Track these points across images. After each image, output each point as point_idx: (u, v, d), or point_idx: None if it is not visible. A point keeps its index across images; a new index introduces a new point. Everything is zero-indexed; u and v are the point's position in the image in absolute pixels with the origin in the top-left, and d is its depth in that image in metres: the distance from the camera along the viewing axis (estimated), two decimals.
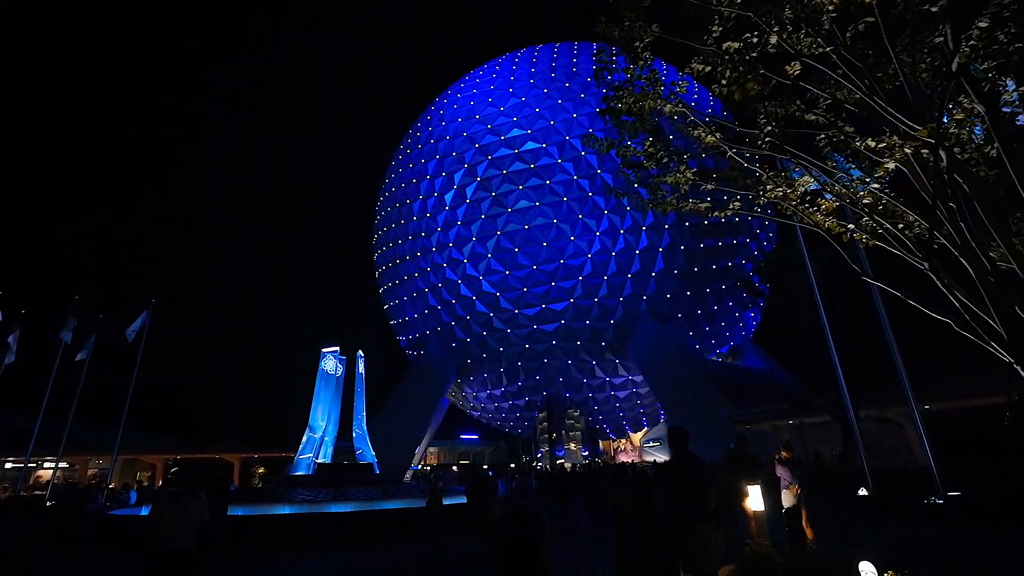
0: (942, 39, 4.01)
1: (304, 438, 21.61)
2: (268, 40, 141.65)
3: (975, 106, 4.18)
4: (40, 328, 24.50)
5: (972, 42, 3.78)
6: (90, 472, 41.69)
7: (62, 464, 35.93)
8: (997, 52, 3.94)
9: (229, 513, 9.31)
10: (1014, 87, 4.30)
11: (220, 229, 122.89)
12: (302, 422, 22.23)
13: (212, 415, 63.54)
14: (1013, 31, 3.74)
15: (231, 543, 10.00)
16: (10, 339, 21.95)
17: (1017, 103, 4.59)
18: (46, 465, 37.97)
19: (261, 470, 42.24)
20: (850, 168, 5.17)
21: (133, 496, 22.62)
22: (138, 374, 24.41)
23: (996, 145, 4.14)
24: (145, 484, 38.75)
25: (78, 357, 23.58)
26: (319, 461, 20.87)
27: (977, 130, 4.67)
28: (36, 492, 29.52)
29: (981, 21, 3.75)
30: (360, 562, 10.77)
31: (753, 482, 7.76)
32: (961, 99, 4.38)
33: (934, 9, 3.86)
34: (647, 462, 37.68)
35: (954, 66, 3.75)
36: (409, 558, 11.03)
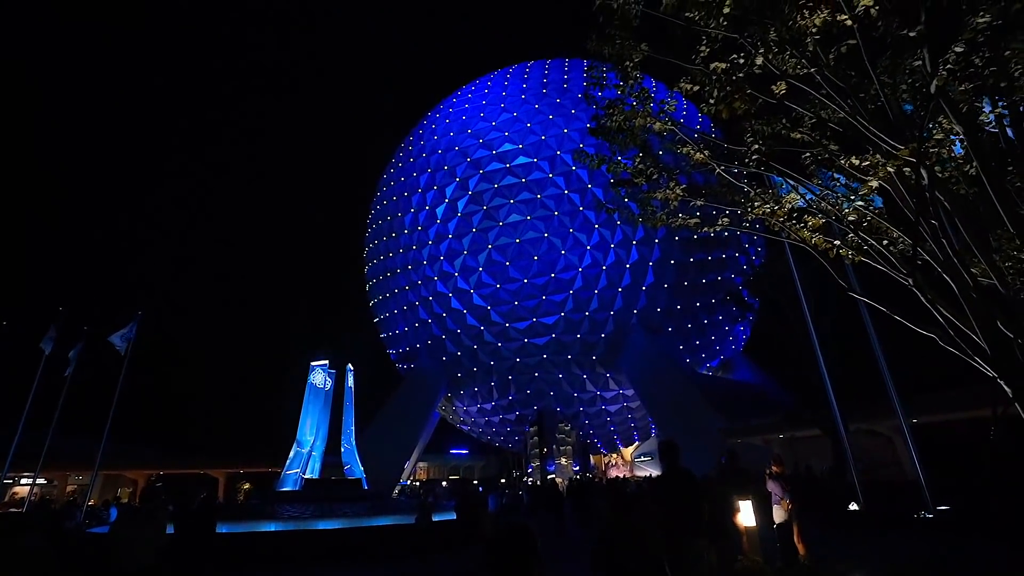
0: (921, 62, 4.14)
1: (292, 453, 21.27)
2: (263, 53, 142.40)
3: (954, 126, 4.30)
4: (24, 339, 24.03)
5: (949, 66, 3.91)
6: (69, 488, 40.57)
7: (40, 480, 34.96)
8: (973, 75, 4.08)
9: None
10: (990, 108, 4.45)
11: (209, 241, 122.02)
12: (290, 436, 21.90)
13: (197, 429, 62.39)
14: (987, 56, 3.88)
15: (215, 562, 9.71)
16: None
17: (993, 124, 4.74)
18: (23, 481, 36.90)
19: (247, 486, 41.48)
20: (835, 185, 5.28)
21: (114, 513, 22.04)
22: (122, 387, 23.93)
23: (975, 164, 4.26)
24: (124, 501, 37.76)
25: (66, 372, 23.11)
26: (306, 476, 20.53)
27: (957, 149, 4.80)
28: (12, 510, 28.61)
29: (957, 46, 3.88)
30: None
31: (744, 497, 7.75)
32: (941, 119, 4.51)
33: (912, 34, 3.99)
34: (638, 476, 37.49)
35: (932, 88, 3.87)
36: (398, 575, 10.83)
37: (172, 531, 7.96)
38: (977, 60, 4.03)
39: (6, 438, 22.32)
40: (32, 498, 27.12)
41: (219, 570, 8.97)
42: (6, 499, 33.32)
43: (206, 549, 8.46)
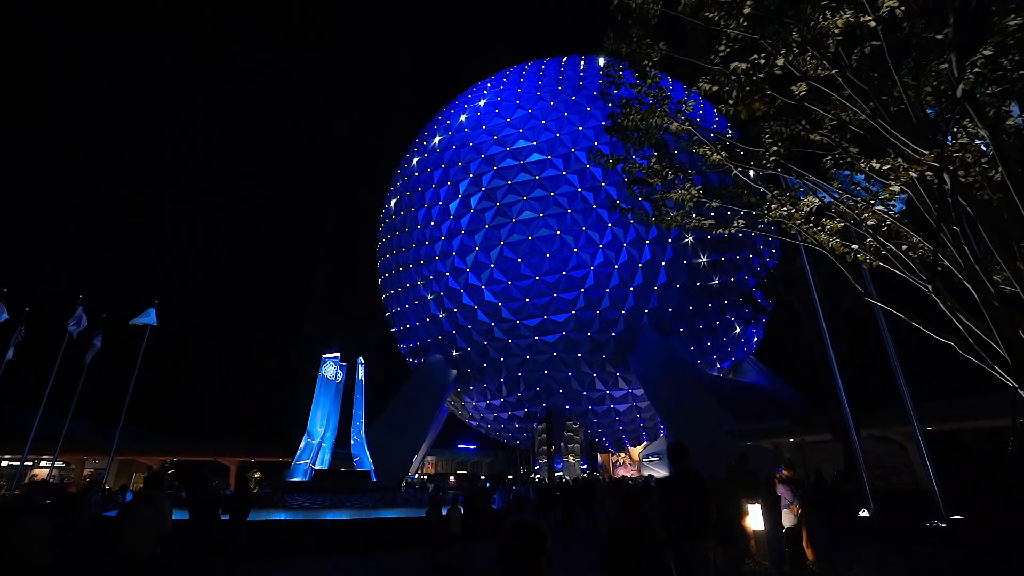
0: (947, 65, 4.06)
1: (302, 443, 21.54)
2: (281, 46, 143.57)
3: (980, 130, 4.21)
4: (44, 325, 24.60)
5: (977, 69, 3.83)
6: (86, 472, 41.53)
7: (58, 463, 35.86)
8: (1002, 78, 3.98)
9: (223, 518, 9.09)
10: (1018, 112, 4.34)
11: (226, 232, 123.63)
12: (301, 427, 22.17)
13: (210, 417, 63.45)
14: (1017, 58, 3.79)
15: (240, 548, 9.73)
16: (17, 334, 22.03)
17: (1022, 128, 4.62)
18: (42, 464, 37.86)
19: (257, 474, 42.09)
20: (855, 189, 5.20)
21: (129, 497, 22.53)
22: (139, 374, 24.44)
23: (1000, 169, 4.17)
24: (140, 486, 38.47)
25: (87, 359, 23.65)
26: (316, 467, 20.79)
27: (983, 146, 4.68)
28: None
29: (986, 49, 3.79)
30: (355, 570, 10.68)
31: (753, 500, 7.70)
32: (966, 123, 4.41)
33: (939, 36, 3.91)
34: (646, 476, 37.34)
35: (959, 92, 3.79)
36: (404, 567, 10.94)
37: (187, 516, 8.11)
38: (1006, 63, 3.93)
39: (26, 422, 22.91)
40: (51, 479, 27.84)
41: (238, 557, 9.09)
42: (25, 480, 34.21)
43: (227, 535, 8.58)
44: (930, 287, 4.33)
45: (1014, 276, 4.24)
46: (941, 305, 4.35)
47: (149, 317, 24.19)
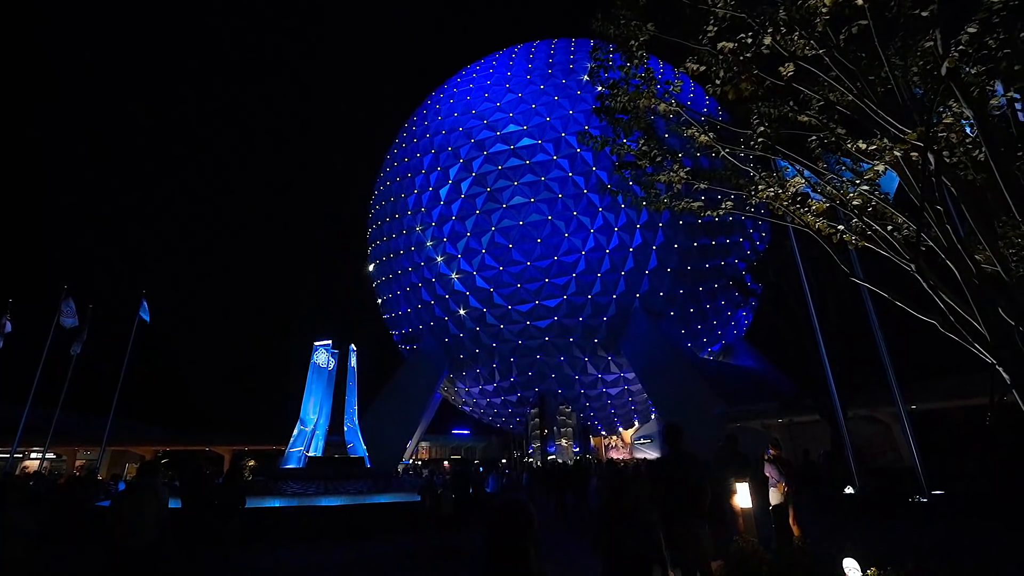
0: (932, 43, 4.05)
1: (295, 431, 21.60)
2: (267, 32, 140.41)
3: (964, 110, 4.22)
4: (31, 316, 24.27)
5: (961, 47, 3.82)
6: (78, 463, 41.40)
7: (49, 455, 35.66)
8: (987, 57, 3.98)
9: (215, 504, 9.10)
10: (1003, 92, 4.35)
11: (216, 221, 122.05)
12: (293, 415, 22.21)
13: (202, 407, 63.28)
14: (1002, 37, 3.79)
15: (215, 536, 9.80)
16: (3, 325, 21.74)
17: (1006, 107, 4.64)
18: (32, 455, 37.68)
19: (251, 463, 42.22)
20: (841, 170, 5.21)
21: (122, 487, 22.52)
22: (129, 364, 24.26)
23: (984, 149, 4.19)
24: (132, 476, 38.47)
25: (73, 350, 23.41)
26: (310, 454, 20.89)
27: (968, 129, 4.70)
28: (29, 484, 29.16)
29: (970, 27, 3.79)
30: (350, 556, 10.79)
31: (742, 480, 7.85)
32: (951, 103, 4.42)
33: (925, 14, 3.89)
34: (638, 459, 37.92)
35: (943, 70, 3.79)
36: (398, 551, 11.07)
37: (179, 505, 8.13)
38: (991, 42, 3.93)
39: (15, 414, 22.72)
40: (42, 472, 27.70)
41: (232, 544, 9.11)
42: (17, 472, 34.04)
43: (221, 523, 8.60)
44: (913, 266, 4.38)
45: (995, 255, 4.30)
46: (924, 284, 4.40)
47: (145, 312, 24.22)
